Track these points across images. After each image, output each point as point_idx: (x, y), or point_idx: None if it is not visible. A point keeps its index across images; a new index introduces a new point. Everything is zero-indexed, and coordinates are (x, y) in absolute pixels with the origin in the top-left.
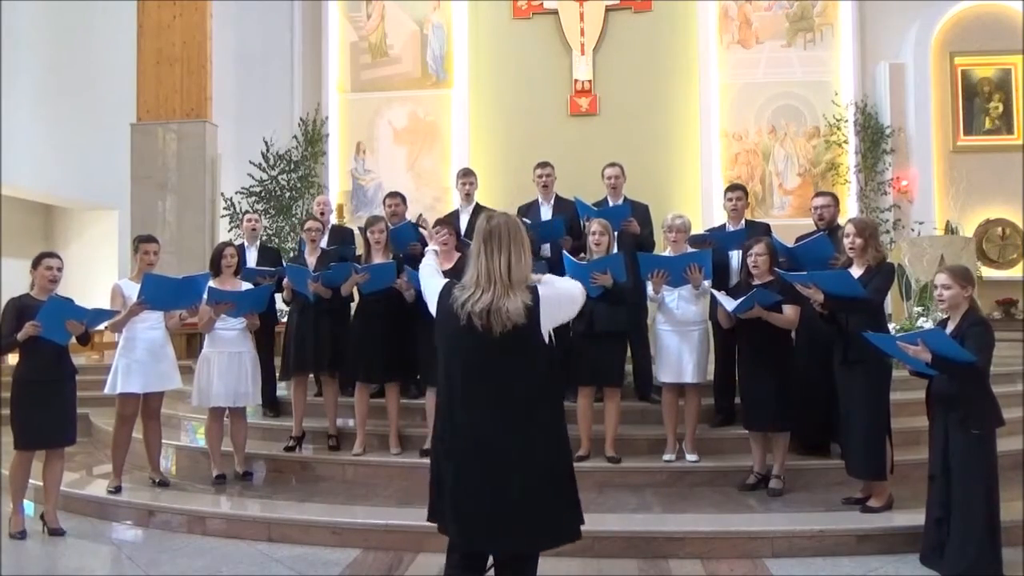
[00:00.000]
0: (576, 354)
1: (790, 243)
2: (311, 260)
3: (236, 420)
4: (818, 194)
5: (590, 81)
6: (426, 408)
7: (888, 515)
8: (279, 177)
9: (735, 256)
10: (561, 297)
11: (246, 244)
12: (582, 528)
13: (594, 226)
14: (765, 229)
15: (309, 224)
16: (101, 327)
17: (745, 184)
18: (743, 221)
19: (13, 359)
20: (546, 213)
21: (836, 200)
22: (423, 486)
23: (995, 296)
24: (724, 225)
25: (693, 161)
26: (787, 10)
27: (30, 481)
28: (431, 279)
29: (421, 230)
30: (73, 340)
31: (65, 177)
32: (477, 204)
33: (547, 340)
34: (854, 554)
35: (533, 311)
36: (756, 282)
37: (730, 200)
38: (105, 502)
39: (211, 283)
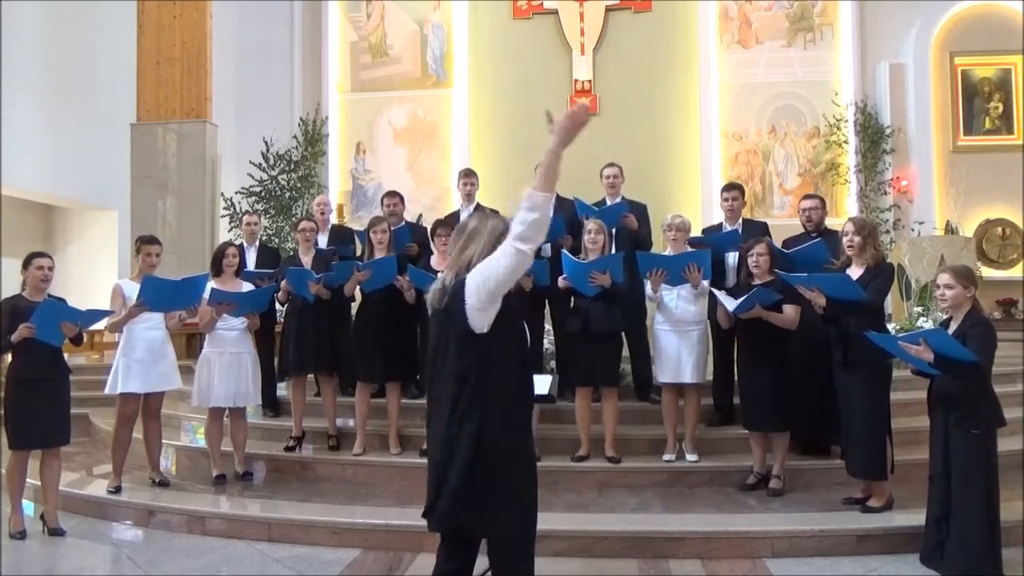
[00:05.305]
0: (571, 354)
1: (778, 245)
2: (306, 260)
3: (236, 420)
4: (806, 196)
5: (590, 81)
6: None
7: (888, 515)
8: (279, 177)
9: (731, 256)
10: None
11: (245, 245)
12: (582, 528)
13: (590, 225)
14: (763, 228)
15: (303, 224)
16: (100, 326)
17: (745, 184)
18: (740, 220)
19: (9, 358)
20: None
21: (823, 203)
22: (423, 486)
23: (995, 296)
24: (721, 225)
25: (693, 161)
26: (787, 10)
27: (30, 481)
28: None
29: None
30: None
31: (65, 177)
32: (478, 204)
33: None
34: (854, 554)
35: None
36: (756, 282)
37: (726, 200)
38: (105, 502)
39: (212, 284)
